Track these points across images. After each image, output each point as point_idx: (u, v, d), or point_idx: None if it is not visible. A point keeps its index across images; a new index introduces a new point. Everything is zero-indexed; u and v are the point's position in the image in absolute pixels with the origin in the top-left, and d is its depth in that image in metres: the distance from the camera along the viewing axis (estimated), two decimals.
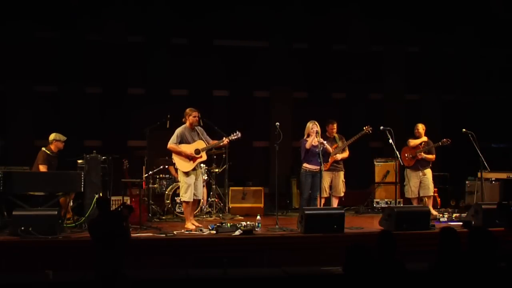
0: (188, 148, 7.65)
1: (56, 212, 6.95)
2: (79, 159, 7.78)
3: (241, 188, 9.60)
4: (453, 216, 8.42)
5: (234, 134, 7.84)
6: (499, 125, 11.12)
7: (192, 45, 10.72)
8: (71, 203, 7.89)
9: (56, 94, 10.31)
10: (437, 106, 11.50)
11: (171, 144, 7.64)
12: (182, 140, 7.67)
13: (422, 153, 8.90)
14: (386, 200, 9.87)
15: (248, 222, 7.44)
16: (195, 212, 8.25)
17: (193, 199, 7.71)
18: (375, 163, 10.07)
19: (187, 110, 7.76)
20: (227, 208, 9.40)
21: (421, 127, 9.04)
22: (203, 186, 8.45)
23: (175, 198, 8.77)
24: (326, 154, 8.33)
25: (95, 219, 5.52)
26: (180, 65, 10.51)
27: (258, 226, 7.35)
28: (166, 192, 9.06)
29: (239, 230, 6.97)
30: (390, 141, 8.07)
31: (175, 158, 7.72)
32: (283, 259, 6.53)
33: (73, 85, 10.28)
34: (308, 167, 8.23)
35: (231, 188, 9.54)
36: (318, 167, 8.00)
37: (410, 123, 10.84)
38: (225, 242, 6.81)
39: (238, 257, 6.43)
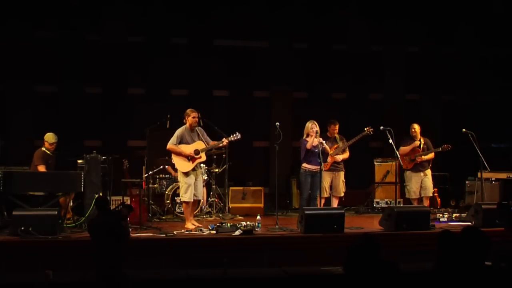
0: (187, 149, 7.65)
1: (56, 212, 6.95)
2: (79, 159, 7.78)
3: (241, 188, 9.61)
4: (453, 216, 8.42)
5: (234, 135, 7.85)
6: (499, 125, 11.13)
7: (192, 45, 10.72)
8: (71, 203, 7.89)
9: (56, 94, 10.31)
10: (437, 106, 11.50)
11: (171, 144, 7.65)
12: (182, 141, 7.67)
13: (422, 157, 8.89)
14: (386, 200, 9.86)
15: (248, 222, 7.44)
16: (195, 212, 8.25)
17: (193, 199, 7.72)
18: (375, 163, 10.08)
19: (187, 110, 7.76)
20: (227, 208, 9.40)
21: (417, 127, 9.01)
22: (203, 186, 8.46)
23: (175, 198, 8.78)
24: (324, 154, 8.33)
25: (94, 219, 5.52)
26: (180, 65, 10.51)
27: (258, 226, 7.35)
28: (166, 192, 9.06)
29: (239, 230, 6.97)
30: (390, 141, 8.07)
31: (175, 159, 7.73)
32: (283, 259, 6.53)
33: (73, 85, 10.27)
34: (308, 167, 8.23)
35: (231, 188, 9.54)
36: (318, 167, 8.00)
37: (410, 123, 10.86)
38: (225, 242, 6.81)
39: (238, 257, 6.43)
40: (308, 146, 8.16)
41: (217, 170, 9.29)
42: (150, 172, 8.88)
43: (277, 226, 7.50)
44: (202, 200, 8.59)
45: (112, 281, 4.88)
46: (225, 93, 10.95)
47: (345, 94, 11.32)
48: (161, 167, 9.03)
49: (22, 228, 6.58)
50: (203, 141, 7.79)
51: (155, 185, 9.26)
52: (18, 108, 10.06)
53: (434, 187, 9.71)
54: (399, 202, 8.78)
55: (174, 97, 10.62)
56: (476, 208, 7.83)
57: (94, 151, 7.81)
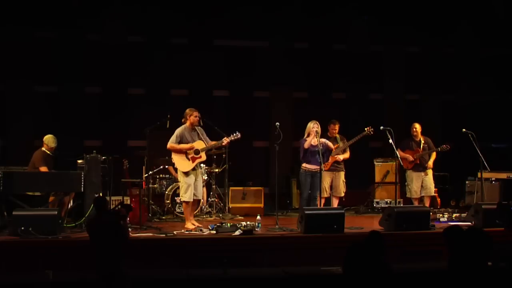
0: (189, 145, 7.66)
1: (56, 212, 6.96)
2: (79, 159, 7.78)
3: (241, 188, 9.60)
4: (453, 216, 8.43)
5: (234, 134, 7.85)
6: (499, 125, 11.12)
7: (192, 45, 10.72)
8: (71, 203, 7.90)
9: (56, 94, 10.30)
10: (437, 106, 11.50)
11: (170, 143, 7.65)
12: (181, 140, 7.68)
13: (429, 164, 8.92)
14: (386, 200, 9.86)
15: (248, 222, 7.44)
16: (195, 212, 8.26)
17: (193, 199, 7.72)
18: (375, 163, 10.07)
19: (187, 110, 7.76)
20: (227, 208, 9.40)
21: (418, 127, 9.03)
22: (203, 186, 8.46)
23: (175, 198, 8.78)
24: (327, 151, 8.33)
25: (93, 219, 5.52)
26: (180, 65, 10.50)
27: (258, 226, 7.35)
28: (166, 192, 9.07)
29: (239, 230, 6.97)
30: (390, 141, 8.07)
31: (175, 158, 7.73)
32: (283, 259, 6.53)
33: (73, 85, 10.27)
34: (308, 167, 8.22)
35: (231, 188, 9.54)
36: (318, 167, 8.00)
37: (410, 123, 10.85)
38: (225, 242, 6.82)
39: (238, 257, 6.44)
40: (306, 145, 8.15)
41: (217, 170, 9.29)
42: (150, 172, 8.88)
43: (277, 226, 7.50)
44: (202, 200, 8.59)
45: (112, 281, 4.89)
46: (225, 93, 10.94)
47: (345, 94, 11.32)
48: (161, 167, 9.03)
49: (22, 228, 6.58)
50: (203, 141, 7.79)
51: (155, 185, 9.26)
52: (18, 108, 10.06)
53: (434, 187, 9.72)
54: (399, 202, 8.79)
55: (174, 97, 10.61)
56: (476, 208, 7.83)
57: (94, 151, 7.81)
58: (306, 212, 7.11)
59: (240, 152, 9.74)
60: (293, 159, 10.21)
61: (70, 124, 10.07)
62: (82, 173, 7.54)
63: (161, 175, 9.27)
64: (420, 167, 8.93)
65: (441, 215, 8.38)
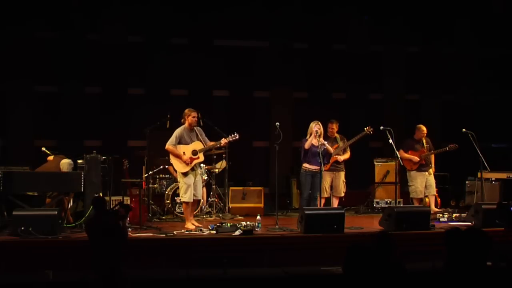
0: (186, 149, 7.66)
1: (56, 212, 6.96)
2: (79, 159, 7.78)
3: (241, 188, 9.60)
4: (453, 216, 8.42)
5: (232, 135, 7.86)
6: (499, 125, 11.12)
7: (192, 45, 10.72)
8: (71, 203, 7.90)
9: (56, 94, 10.31)
10: (437, 106, 11.50)
11: (169, 145, 7.66)
12: (180, 141, 7.68)
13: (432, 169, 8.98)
14: (386, 200, 9.86)
15: (248, 222, 7.44)
16: (195, 212, 8.26)
17: (193, 199, 7.72)
18: (375, 163, 10.06)
19: (186, 110, 7.76)
20: (227, 208, 9.39)
21: (425, 129, 9.06)
22: (203, 186, 8.46)
23: (175, 198, 8.77)
24: (327, 154, 8.34)
25: (92, 219, 5.52)
26: (180, 65, 10.50)
27: (258, 226, 7.35)
28: (166, 192, 9.06)
29: (239, 230, 6.97)
30: (390, 141, 8.07)
31: (173, 159, 7.74)
32: (283, 259, 6.53)
33: (73, 85, 10.27)
34: (308, 167, 8.22)
35: (231, 188, 9.54)
36: (318, 167, 8.01)
37: (410, 123, 10.83)
38: (225, 242, 6.82)
39: (238, 257, 6.44)
40: (306, 146, 8.15)
41: (217, 170, 9.29)
42: (150, 172, 8.88)
43: (277, 226, 7.50)
44: (202, 200, 8.60)
45: (111, 281, 4.88)
46: (225, 93, 10.94)
47: (345, 94, 11.32)
48: (161, 167, 9.02)
49: (22, 228, 6.58)
50: (201, 141, 7.79)
51: (155, 185, 9.26)
52: (18, 108, 10.06)
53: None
54: (399, 202, 8.79)
55: (174, 97, 10.61)
56: (476, 208, 7.83)
57: (94, 151, 7.81)
58: (306, 212, 7.11)
59: (240, 152, 9.74)
60: (293, 159, 10.22)
61: (70, 124, 10.08)
62: (82, 173, 7.53)
63: (161, 175, 9.27)
64: (424, 167, 8.97)
65: (441, 215, 8.37)
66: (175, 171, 8.17)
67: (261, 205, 9.42)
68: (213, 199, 9.24)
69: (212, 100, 10.78)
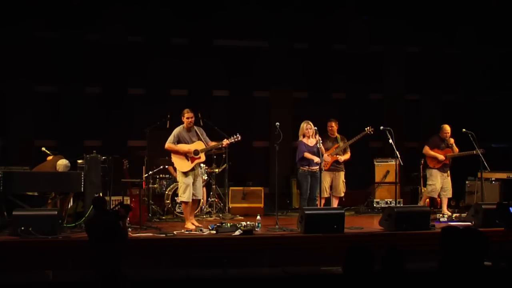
0: (186, 148, 7.66)
1: (56, 212, 6.96)
2: (79, 159, 7.78)
3: (241, 188, 9.60)
4: (453, 216, 8.43)
5: (235, 136, 7.87)
6: (499, 125, 11.12)
7: (192, 45, 10.71)
8: (71, 203, 7.90)
9: (56, 94, 10.29)
10: (437, 106, 11.49)
11: (168, 143, 7.66)
12: (180, 141, 7.69)
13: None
14: (386, 200, 9.86)
15: (248, 222, 7.45)
16: (195, 212, 8.26)
17: (193, 199, 7.72)
18: (375, 163, 10.06)
19: (183, 111, 7.79)
20: (227, 208, 9.40)
21: (449, 128, 8.93)
22: (203, 186, 8.46)
23: (175, 198, 8.77)
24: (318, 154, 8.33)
25: (92, 219, 5.53)
26: (180, 65, 10.50)
27: (258, 226, 7.36)
28: (166, 192, 9.06)
29: (239, 230, 6.97)
30: (390, 141, 8.06)
31: (174, 159, 7.74)
32: (283, 259, 6.54)
33: (73, 85, 10.26)
34: (307, 167, 8.22)
35: (231, 188, 9.54)
36: (317, 167, 8.02)
37: (410, 123, 10.87)
38: (225, 242, 6.82)
39: (238, 257, 6.44)
40: (307, 156, 8.13)
41: (217, 170, 9.29)
42: (150, 172, 8.88)
43: (277, 226, 7.50)
44: (202, 200, 8.60)
45: (111, 281, 4.88)
46: (225, 93, 10.94)
47: (345, 94, 11.32)
48: (161, 167, 9.03)
49: (22, 228, 6.59)
50: (202, 141, 7.79)
51: (155, 185, 9.25)
52: (18, 108, 10.04)
53: None
54: (399, 202, 8.78)
55: (174, 97, 10.60)
56: (476, 208, 7.84)
57: (94, 151, 7.81)
58: (306, 212, 7.12)
59: (240, 152, 9.74)
60: (293, 159, 10.18)
61: (70, 124, 10.07)
62: (82, 173, 7.54)
63: (161, 175, 9.27)
64: (446, 167, 8.87)
65: (441, 215, 8.38)
66: (175, 170, 8.17)
67: (261, 205, 9.42)
68: (213, 199, 9.25)
69: (212, 100, 10.77)
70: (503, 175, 9.74)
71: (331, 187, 8.63)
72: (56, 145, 9.53)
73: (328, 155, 8.52)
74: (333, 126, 8.73)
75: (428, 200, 9.11)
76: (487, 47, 11.39)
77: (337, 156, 8.57)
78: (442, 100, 11.53)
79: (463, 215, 8.35)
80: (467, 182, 9.98)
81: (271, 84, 11.01)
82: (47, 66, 10.17)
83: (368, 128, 8.62)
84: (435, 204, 9.62)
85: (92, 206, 7.05)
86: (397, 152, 8.13)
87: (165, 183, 9.28)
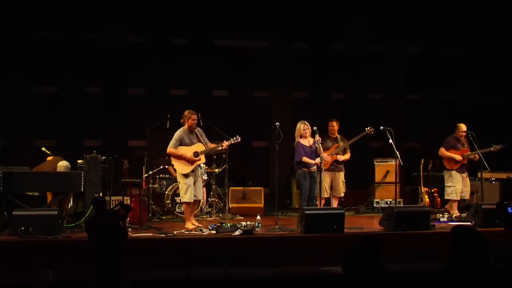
0: (187, 151, 7.66)
1: (56, 212, 6.96)
2: (79, 159, 7.78)
3: (241, 188, 9.60)
4: (453, 216, 8.43)
5: (234, 138, 7.87)
6: (499, 125, 11.12)
7: (192, 45, 10.71)
8: (71, 203, 7.90)
9: (56, 94, 10.30)
10: (437, 106, 11.49)
11: (171, 148, 7.66)
12: (181, 143, 7.69)
13: (474, 155, 8.75)
14: (386, 200, 9.86)
15: (248, 222, 7.44)
16: (195, 212, 8.26)
17: (193, 199, 7.72)
18: (375, 163, 10.07)
19: (186, 112, 7.75)
20: (227, 208, 9.40)
21: (464, 127, 8.81)
22: (203, 186, 8.46)
23: (175, 198, 8.77)
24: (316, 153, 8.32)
25: (92, 219, 5.52)
26: (180, 65, 10.50)
27: (258, 226, 7.36)
28: (166, 192, 9.07)
29: (239, 230, 6.97)
30: (390, 141, 8.06)
31: (174, 161, 7.75)
32: (283, 259, 6.53)
33: (73, 85, 10.26)
34: (304, 169, 8.21)
35: (231, 188, 9.54)
36: (315, 167, 8.02)
37: (410, 123, 10.86)
38: (225, 242, 6.82)
39: (238, 257, 6.44)
40: (305, 160, 8.11)
41: (217, 170, 9.29)
42: (150, 172, 8.87)
43: (277, 226, 7.50)
44: (202, 200, 8.60)
45: (111, 281, 4.88)
46: (225, 93, 10.94)
47: (345, 94, 11.32)
48: (161, 167, 9.03)
49: (22, 228, 6.58)
50: (202, 143, 7.80)
51: (155, 185, 9.26)
52: (18, 108, 10.05)
53: (434, 187, 9.72)
54: (399, 202, 8.78)
55: (174, 97, 10.61)
56: (476, 208, 7.84)
57: (94, 151, 7.81)
58: (306, 212, 7.12)
59: (240, 152, 9.73)
60: (293, 159, 10.19)
61: (70, 124, 10.08)
62: (82, 173, 7.54)
63: (161, 175, 9.27)
64: (464, 168, 8.74)
65: (441, 215, 8.38)
66: (175, 171, 8.17)
67: (261, 205, 9.43)
68: (213, 199, 9.25)
69: (212, 100, 10.77)
70: (503, 175, 9.75)
71: (331, 187, 8.63)
72: (56, 145, 9.53)
73: (328, 154, 8.52)
74: (334, 126, 8.74)
75: (456, 204, 8.84)
76: (487, 47, 11.39)
77: (337, 156, 8.57)
78: (442, 100, 11.53)
79: (463, 215, 8.35)
80: None
81: (271, 84, 11.02)
82: (47, 66, 10.18)
83: (368, 128, 8.62)
84: (435, 204, 9.62)
85: (92, 206, 7.09)
86: (397, 152, 8.13)
87: (165, 183, 9.28)
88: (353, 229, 7.45)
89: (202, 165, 8.28)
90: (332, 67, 11.04)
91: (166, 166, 9.06)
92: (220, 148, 7.96)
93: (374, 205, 9.90)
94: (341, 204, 8.66)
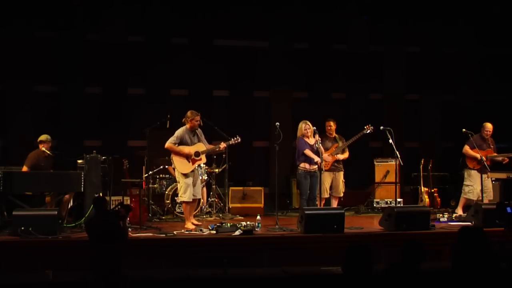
0: (188, 150, 7.66)
1: (56, 212, 6.96)
2: (79, 159, 7.78)
3: (241, 188, 9.60)
4: (453, 216, 8.43)
5: (234, 138, 7.88)
6: (499, 125, 11.09)
7: (193, 45, 10.71)
8: (71, 203, 7.90)
9: (56, 94, 10.30)
10: (437, 106, 11.49)
11: (169, 143, 7.65)
12: (181, 142, 7.68)
13: (503, 158, 8.69)
14: (386, 200, 9.86)
15: (248, 222, 7.45)
16: (195, 212, 8.26)
17: (192, 199, 7.72)
18: (375, 163, 10.07)
19: (189, 113, 7.74)
20: (227, 208, 9.40)
21: (490, 126, 8.70)
22: (203, 186, 8.46)
23: (175, 198, 8.76)
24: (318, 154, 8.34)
25: (92, 219, 5.52)
26: (180, 65, 10.50)
27: (258, 226, 7.36)
28: (166, 192, 9.07)
29: (239, 230, 6.97)
30: (390, 141, 8.06)
31: (174, 159, 7.73)
32: (283, 259, 6.53)
33: (73, 85, 10.26)
34: (306, 167, 8.22)
35: (231, 188, 9.54)
36: (316, 166, 8.02)
37: (410, 123, 10.85)
38: (225, 242, 6.82)
39: (238, 257, 6.44)
40: (308, 154, 8.11)
41: (217, 170, 9.29)
42: (150, 172, 8.88)
43: (277, 226, 7.50)
44: (202, 200, 8.59)
45: (111, 281, 4.88)
46: (225, 93, 10.94)
47: (345, 94, 11.32)
48: (161, 167, 9.03)
49: (22, 228, 6.58)
50: (203, 143, 7.80)
51: (155, 185, 9.26)
52: (18, 108, 10.04)
53: (434, 187, 9.72)
54: (399, 202, 8.78)
55: (174, 97, 10.60)
56: (476, 208, 7.84)
57: (94, 151, 7.82)
58: (306, 212, 7.11)
59: (240, 152, 9.73)
60: (293, 159, 10.19)
61: (70, 124, 10.08)
62: (82, 173, 7.54)
63: (161, 175, 9.27)
64: (485, 169, 8.57)
65: (441, 215, 8.38)
66: (175, 170, 8.18)
67: (261, 205, 9.43)
68: (213, 199, 9.25)
69: (212, 100, 10.77)
70: (503, 175, 9.73)
71: (331, 187, 8.63)
72: (56, 145, 9.51)
73: (328, 155, 8.52)
74: (332, 125, 8.73)
75: (464, 202, 8.79)
76: (487, 47, 11.39)
77: (336, 155, 8.57)
78: (442, 100, 11.53)
79: (463, 215, 8.34)
80: None
81: (271, 84, 11.01)
82: (47, 66, 10.17)
83: (367, 126, 8.62)
84: (435, 204, 9.62)
85: (92, 206, 7.09)
86: (397, 152, 8.13)
87: (165, 183, 9.28)
88: (353, 229, 7.45)
89: (202, 165, 8.28)
90: (332, 67, 11.04)
91: (166, 166, 9.06)
92: (217, 149, 7.97)
93: (374, 205, 9.90)
94: (341, 204, 8.66)
